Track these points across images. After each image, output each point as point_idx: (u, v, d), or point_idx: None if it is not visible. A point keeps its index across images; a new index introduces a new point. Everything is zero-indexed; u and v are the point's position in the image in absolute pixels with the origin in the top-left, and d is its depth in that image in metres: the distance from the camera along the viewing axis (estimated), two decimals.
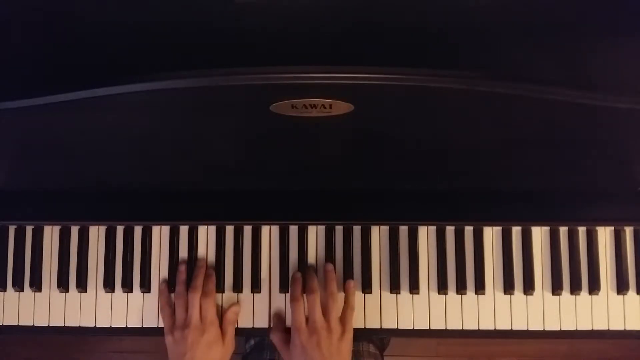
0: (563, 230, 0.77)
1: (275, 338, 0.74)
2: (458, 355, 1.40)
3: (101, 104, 0.55)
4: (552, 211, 0.76)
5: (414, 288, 0.76)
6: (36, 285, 0.78)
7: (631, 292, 0.76)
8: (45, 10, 0.60)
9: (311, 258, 0.77)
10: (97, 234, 0.79)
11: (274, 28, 0.56)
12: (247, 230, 0.78)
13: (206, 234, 0.78)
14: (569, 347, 1.39)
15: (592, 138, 0.62)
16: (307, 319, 0.72)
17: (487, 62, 0.55)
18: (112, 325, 0.77)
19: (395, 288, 0.76)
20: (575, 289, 0.76)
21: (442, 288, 0.76)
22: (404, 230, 0.77)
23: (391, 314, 0.76)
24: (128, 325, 0.77)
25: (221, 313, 0.76)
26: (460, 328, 0.76)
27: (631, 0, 0.58)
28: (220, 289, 0.77)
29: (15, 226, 0.80)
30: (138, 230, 0.78)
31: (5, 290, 0.79)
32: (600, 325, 0.75)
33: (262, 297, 0.77)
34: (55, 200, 0.77)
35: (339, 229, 0.77)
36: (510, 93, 0.53)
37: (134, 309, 0.78)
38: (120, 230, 0.79)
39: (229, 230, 0.78)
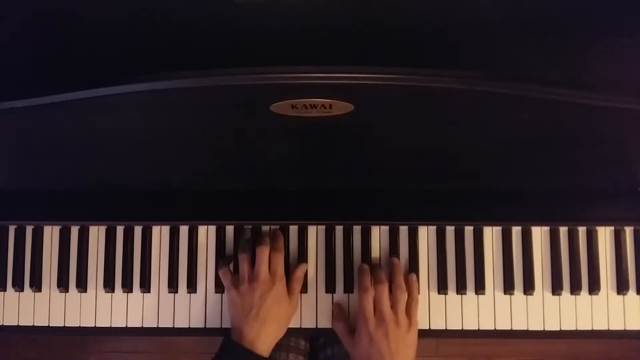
0: (563, 230, 0.77)
1: (339, 327, 0.73)
2: (458, 355, 1.40)
3: (101, 104, 0.55)
4: (552, 211, 0.76)
5: None
6: (36, 285, 0.78)
7: (631, 292, 0.76)
8: (45, 10, 0.60)
9: (311, 258, 0.77)
10: (97, 234, 0.79)
11: (274, 28, 0.56)
12: (247, 230, 0.78)
13: (206, 234, 0.78)
14: (569, 347, 1.39)
15: (592, 138, 0.62)
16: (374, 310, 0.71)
17: (487, 62, 0.55)
18: (112, 325, 0.77)
19: None
20: (575, 289, 0.76)
21: (442, 288, 0.76)
22: (404, 230, 0.77)
23: None
24: (128, 325, 0.77)
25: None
26: (460, 328, 0.76)
27: (631, 0, 0.58)
28: (219, 288, 0.77)
29: (15, 226, 0.80)
30: (138, 230, 0.78)
31: (5, 290, 0.79)
32: (600, 325, 0.75)
33: None
34: (55, 200, 0.77)
35: (339, 229, 0.77)
36: (510, 93, 0.53)
37: (134, 309, 0.78)
38: (120, 230, 0.79)
39: (229, 230, 0.78)
